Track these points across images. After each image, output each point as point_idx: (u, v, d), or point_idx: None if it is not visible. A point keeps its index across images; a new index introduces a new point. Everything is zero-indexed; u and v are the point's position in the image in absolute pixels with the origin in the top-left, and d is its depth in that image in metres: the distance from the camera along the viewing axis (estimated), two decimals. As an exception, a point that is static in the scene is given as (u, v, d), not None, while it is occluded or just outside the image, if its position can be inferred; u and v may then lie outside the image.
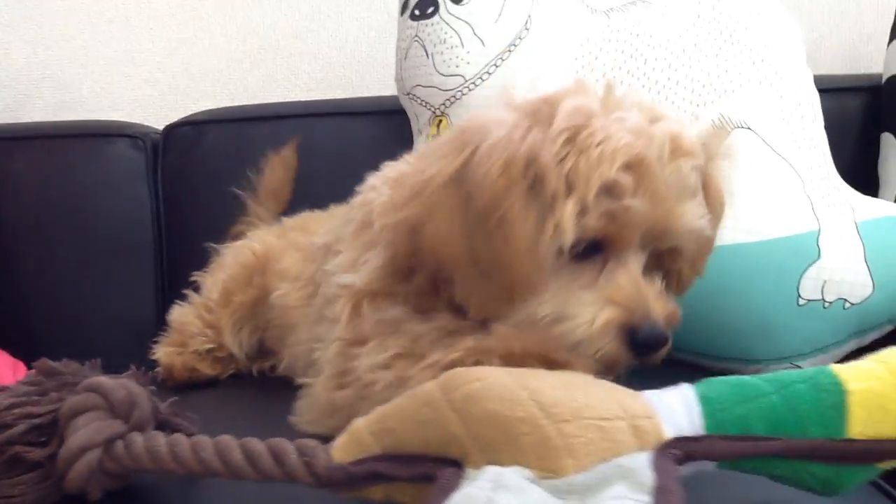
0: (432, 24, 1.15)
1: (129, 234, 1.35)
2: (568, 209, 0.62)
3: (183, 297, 1.14)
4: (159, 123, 1.52)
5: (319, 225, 1.05)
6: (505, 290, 0.65)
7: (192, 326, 1.07)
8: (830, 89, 1.25)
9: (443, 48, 1.14)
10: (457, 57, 1.13)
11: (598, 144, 0.63)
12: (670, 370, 0.68)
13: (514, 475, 0.48)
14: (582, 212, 0.63)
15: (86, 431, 0.59)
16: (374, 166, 1.23)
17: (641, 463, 0.48)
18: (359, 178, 1.25)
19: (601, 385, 0.55)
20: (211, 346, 1.06)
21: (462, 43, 1.13)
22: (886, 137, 1.18)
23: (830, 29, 1.52)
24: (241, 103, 1.58)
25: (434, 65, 1.15)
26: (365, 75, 1.58)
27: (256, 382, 1.04)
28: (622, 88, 0.72)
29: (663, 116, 0.68)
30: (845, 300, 0.99)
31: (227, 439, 0.57)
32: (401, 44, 1.21)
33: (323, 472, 0.53)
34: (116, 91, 1.61)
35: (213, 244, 1.18)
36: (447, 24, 1.14)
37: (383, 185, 0.80)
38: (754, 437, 0.51)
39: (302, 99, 1.57)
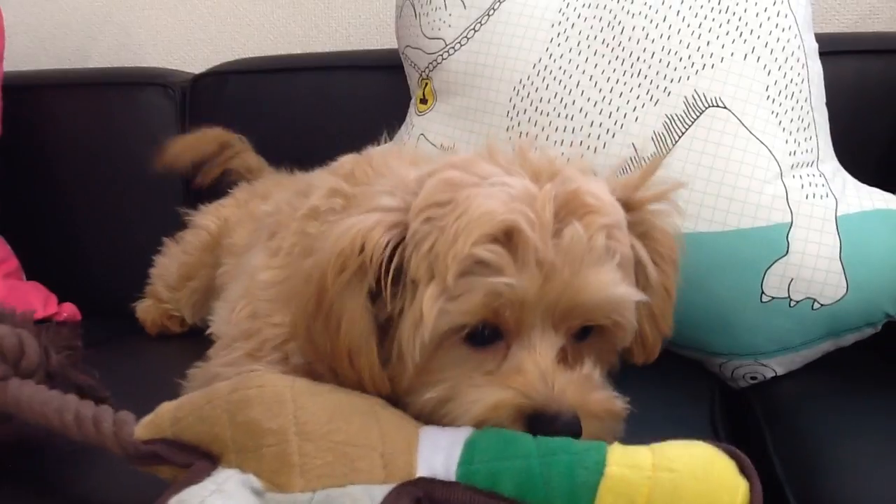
0: (422, -17, 1.16)
1: (159, 180, 1.46)
2: (427, 297, 0.58)
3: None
4: (208, 68, 1.62)
5: (280, 193, 1.09)
6: (355, 384, 0.63)
7: (161, 291, 1.17)
8: (855, 51, 1.16)
9: (428, 9, 1.15)
10: (439, 19, 1.13)
11: (457, 219, 0.59)
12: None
13: (237, 482, 0.53)
14: (448, 297, 0.59)
15: (-31, 369, 0.69)
16: (386, 120, 1.28)
17: (371, 494, 0.52)
18: (371, 132, 1.30)
19: (381, 414, 0.58)
20: (176, 313, 1.16)
21: (445, 4, 1.13)
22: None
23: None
24: (283, 48, 1.65)
25: (420, 26, 1.16)
26: (403, 22, 1.59)
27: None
28: (535, 148, 0.69)
29: (559, 174, 0.63)
30: (814, 300, 0.94)
31: (69, 400, 0.66)
32: (397, 1, 1.22)
33: (124, 442, 0.60)
34: (170, 35, 1.72)
35: (186, 209, 1.26)
36: (434, -17, 1.14)
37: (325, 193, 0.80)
38: (497, 495, 0.52)
39: (340, 45, 1.62)
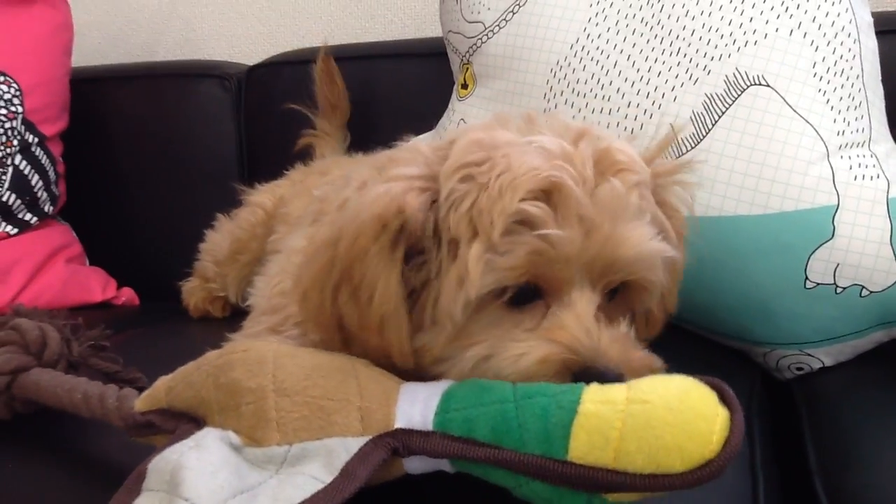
0: (462, -33, 1.16)
1: (217, 167, 1.52)
2: (472, 254, 0.57)
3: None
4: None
5: (339, 170, 1.12)
6: (381, 355, 0.61)
7: (209, 268, 1.21)
8: None
9: (468, -7, 1.15)
10: (479, 2, 1.14)
11: (499, 176, 0.58)
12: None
13: (215, 438, 0.54)
14: (494, 254, 0.58)
15: (-3, 360, 0.73)
16: (435, 107, 1.30)
17: (349, 447, 0.52)
18: (420, 119, 1.32)
19: (360, 370, 0.58)
20: (222, 293, 1.19)
21: (485, -12, 1.13)
22: None
23: None
24: (340, 39, 1.68)
25: (461, 10, 1.16)
26: (458, 10, 1.60)
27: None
28: (544, 116, 0.68)
29: (587, 134, 0.63)
30: (862, 286, 0.90)
31: (79, 381, 0.69)
32: (440, -14, 1.23)
33: (125, 415, 0.63)
34: (232, 29, 1.77)
35: (243, 186, 1.29)
36: (474, -33, 1.14)
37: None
38: (472, 441, 0.52)
39: (396, 36, 1.64)
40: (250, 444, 0.55)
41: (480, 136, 0.62)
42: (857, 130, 0.94)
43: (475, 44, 1.14)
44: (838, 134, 0.92)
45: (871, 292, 0.89)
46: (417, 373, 0.62)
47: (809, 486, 0.74)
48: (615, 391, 0.51)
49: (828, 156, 0.91)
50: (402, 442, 0.54)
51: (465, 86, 1.17)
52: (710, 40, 0.96)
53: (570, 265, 0.59)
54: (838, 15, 0.95)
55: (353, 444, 0.53)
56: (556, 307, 0.60)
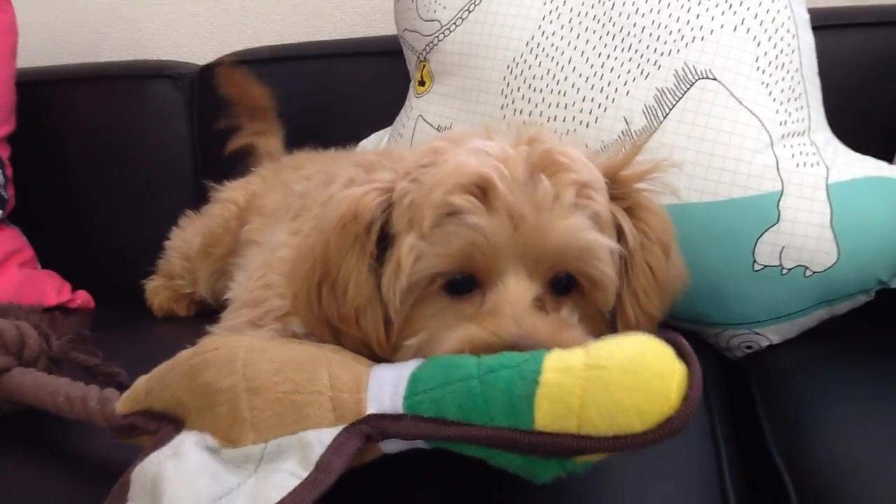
0: (417, -34, 1.19)
1: (170, 168, 1.52)
2: (405, 245, 0.63)
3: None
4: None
5: (312, 162, 1.14)
6: (361, 345, 0.66)
7: (176, 266, 1.21)
8: (855, 24, 1.18)
9: (424, -9, 1.18)
10: (435, 1, 1.17)
11: (434, 174, 0.63)
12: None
13: (191, 443, 0.56)
14: (425, 243, 0.63)
15: (-25, 363, 0.74)
16: (389, 105, 1.32)
17: (322, 439, 0.54)
18: (374, 117, 1.35)
19: (331, 359, 0.60)
20: (189, 290, 1.20)
21: (441, -14, 1.16)
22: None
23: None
24: (290, 38, 1.69)
25: (417, 8, 1.19)
26: (408, 9, 1.63)
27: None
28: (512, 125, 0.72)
29: (535, 139, 0.67)
30: (806, 267, 0.96)
31: (61, 383, 0.71)
32: (395, -15, 1.26)
33: (108, 417, 0.64)
34: (179, 29, 1.77)
35: (212, 182, 1.30)
36: (429, -34, 1.17)
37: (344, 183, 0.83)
38: (442, 420, 0.54)
39: (346, 34, 1.66)
40: (227, 444, 0.56)
41: (438, 144, 0.68)
42: (798, 121, 1.00)
43: (432, 42, 1.17)
44: (781, 124, 0.98)
45: (814, 273, 0.95)
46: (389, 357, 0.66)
47: (767, 455, 0.79)
48: (573, 357, 0.54)
49: (772, 145, 0.97)
50: (375, 428, 0.56)
51: (422, 83, 1.20)
52: (659, 36, 1.01)
53: (499, 254, 0.63)
54: (778, 11, 1.01)
55: (327, 435, 0.55)
56: (491, 293, 0.64)
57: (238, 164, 1.45)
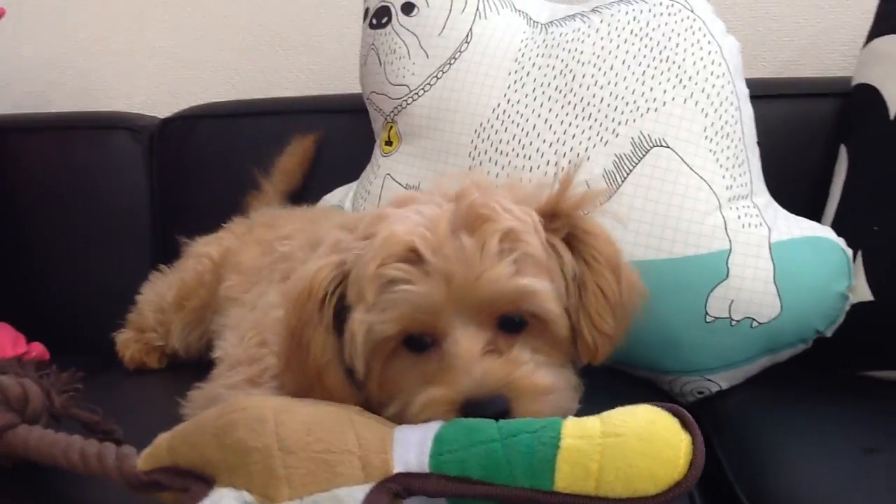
0: (385, 34, 1.26)
1: (128, 221, 1.53)
2: (355, 317, 0.70)
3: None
4: (169, 111, 1.69)
5: (287, 222, 1.18)
6: (330, 397, 0.72)
7: (148, 319, 1.24)
8: (808, 94, 1.30)
9: (392, 58, 1.25)
10: (403, 67, 1.24)
11: (370, 248, 0.70)
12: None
13: (231, 499, 0.60)
14: (372, 314, 0.69)
15: (-21, 421, 0.75)
16: (351, 162, 1.38)
17: (353, 495, 0.59)
18: (337, 173, 1.40)
19: (356, 420, 0.65)
20: (161, 343, 1.23)
21: (409, 54, 1.23)
22: (842, 149, 1.21)
23: (833, 27, 1.53)
24: (243, 92, 1.74)
25: (385, 73, 1.26)
26: (361, 67, 1.69)
27: (195, 371, 1.20)
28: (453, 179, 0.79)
29: (463, 194, 0.73)
30: (753, 319, 1.05)
31: (74, 440, 0.73)
32: (361, 50, 1.32)
33: (128, 474, 0.67)
34: (130, 79, 1.79)
35: (184, 238, 1.33)
36: (397, 34, 1.24)
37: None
38: (467, 480, 0.60)
39: (300, 90, 1.71)
40: (264, 501, 0.60)
41: (384, 211, 0.75)
42: (742, 185, 1.10)
43: (400, 105, 1.24)
44: (727, 188, 1.08)
45: (760, 324, 1.05)
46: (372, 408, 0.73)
47: (730, 491, 0.87)
48: (590, 425, 0.60)
49: (720, 207, 1.07)
50: (402, 485, 0.60)
51: (389, 143, 1.27)
52: (616, 107, 1.11)
53: (440, 312, 0.69)
54: (722, 86, 1.12)
55: (359, 492, 0.59)
56: (445, 347, 0.69)
57: (198, 219, 1.47)
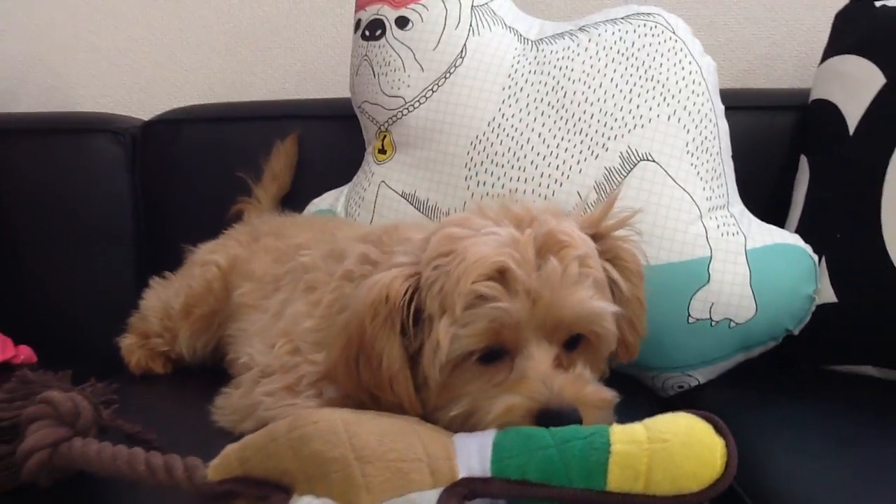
0: (379, 47, 1.31)
1: (110, 224, 1.54)
2: (441, 328, 0.74)
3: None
4: (143, 111, 1.72)
5: (297, 230, 1.23)
6: (397, 407, 0.78)
7: (153, 324, 1.27)
8: (768, 107, 1.40)
9: (387, 70, 1.30)
10: (398, 80, 1.29)
11: (459, 264, 0.75)
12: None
13: None
14: (458, 326, 0.74)
15: (35, 436, 0.79)
16: (337, 170, 1.42)
17: (428, 499, 0.66)
18: (321, 178, 1.44)
19: (420, 430, 0.72)
20: (166, 348, 1.26)
21: (404, 67, 1.29)
22: (803, 160, 1.32)
23: (785, 39, 1.64)
24: (219, 94, 1.76)
25: (379, 84, 1.31)
26: (337, 69, 1.74)
27: (200, 376, 1.24)
28: (518, 201, 0.86)
29: (535, 220, 0.79)
30: (731, 320, 1.15)
31: (136, 452, 0.76)
32: (353, 60, 1.37)
33: (199, 485, 0.72)
34: (103, 79, 1.79)
35: (189, 245, 1.37)
36: (392, 47, 1.30)
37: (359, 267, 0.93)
38: (528, 482, 0.67)
39: (276, 92, 1.75)
40: None
41: (451, 231, 0.81)
42: (720, 196, 1.20)
43: (395, 115, 1.29)
44: (707, 199, 1.18)
45: (737, 324, 1.15)
46: (427, 417, 0.79)
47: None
48: (636, 432, 0.68)
49: (701, 217, 1.17)
50: (468, 489, 0.67)
51: (382, 151, 1.32)
52: (606, 123, 1.19)
53: (522, 329, 0.75)
54: (702, 104, 1.21)
55: (432, 496, 0.66)
56: (518, 360, 0.76)
57: (183, 222, 1.51)
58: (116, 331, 1.40)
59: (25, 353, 1.46)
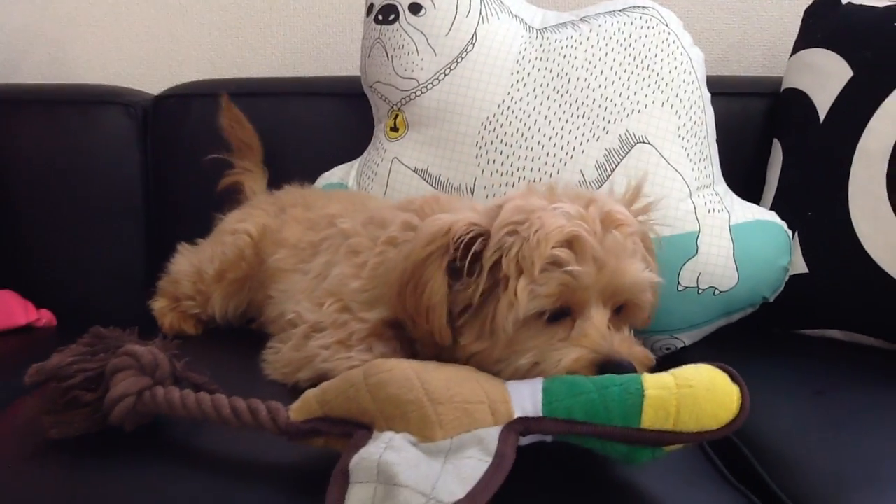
0: (393, 31, 1.41)
1: (121, 196, 1.61)
2: (520, 286, 0.85)
3: (168, 254, 1.45)
4: (145, 84, 1.78)
5: (325, 201, 1.32)
6: (428, 335, 0.90)
7: (185, 288, 1.36)
8: (741, 93, 1.53)
9: (401, 53, 1.40)
10: (412, 63, 1.39)
11: (536, 232, 0.86)
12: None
13: (401, 439, 0.77)
14: (535, 286, 0.85)
15: (123, 384, 0.88)
16: (341, 146, 1.51)
17: (492, 434, 0.77)
18: (328, 154, 1.53)
19: (477, 377, 0.83)
20: (197, 310, 1.35)
21: (417, 50, 1.39)
22: (775, 143, 1.46)
23: (755, 30, 1.78)
24: (220, 69, 1.83)
25: (393, 66, 1.41)
26: (336, 48, 1.82)
27: (234, 335, 1.34)
28: (561, 184, 0.98)
29: (594, 200, 0.91)
30: (715, 288, 1.29)
31: (220, 398, 0.86)
32: (365, 42, 1.46)
33: (283, 425, 0.82)
34: (105, 52, 1.84)
35: (218, 214, 1.46)
36: (405, 32, 1.39)
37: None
38: (574, 421, 0.79)
39: (276, 69, 1.82)
40: (423, 440, 0.77)
41: (520, 203, 0.92)
42: (707, 176, 1.33)
43: (408, 96, 1.39)
44: (696, 179, 1.31)
45: (721, 292, 1.29)
46: (451, 354, 0.92)
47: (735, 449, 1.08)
48: (665, 379, 0.80)
49: (690, 195, 1.30)
50: (524, 426, 0.79)
51: (395, 129, 1.42)
52: (606, 107, 1.31)
53: (588, 291, 0.88)
54: (692, 92, 1.34)
55: (494, 432, 0.77)
56: (580, 321, 0.89)
57: (193, 195, 1.58)
58: (128, 301, 1.49)
59: (47, 316, 1.53)
